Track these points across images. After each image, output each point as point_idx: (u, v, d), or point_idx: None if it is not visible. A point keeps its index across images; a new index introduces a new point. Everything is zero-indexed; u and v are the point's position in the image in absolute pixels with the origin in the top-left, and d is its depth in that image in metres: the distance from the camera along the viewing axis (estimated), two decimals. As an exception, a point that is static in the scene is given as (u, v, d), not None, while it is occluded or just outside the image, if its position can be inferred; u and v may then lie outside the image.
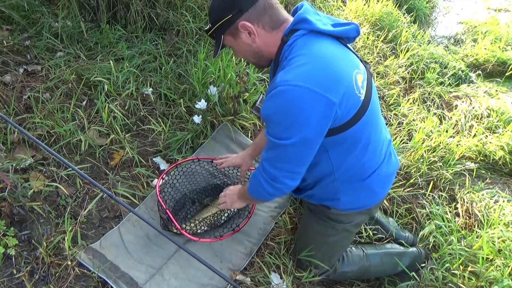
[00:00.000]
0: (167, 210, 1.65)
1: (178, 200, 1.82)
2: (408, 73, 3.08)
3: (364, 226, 1.82)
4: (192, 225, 1.71)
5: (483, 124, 2.71)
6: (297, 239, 1.70)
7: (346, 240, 1.61)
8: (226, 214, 1.79)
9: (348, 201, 1.41)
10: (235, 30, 1.22)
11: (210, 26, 1.26)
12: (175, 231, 1.67)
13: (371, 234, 1.82)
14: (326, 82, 1.07)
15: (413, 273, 1.66)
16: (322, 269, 1.63)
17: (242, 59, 2.19)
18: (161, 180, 1.79)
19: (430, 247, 1.83)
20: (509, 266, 1.66)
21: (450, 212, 1.98)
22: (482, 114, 2.79)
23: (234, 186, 1.65)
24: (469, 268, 1.68)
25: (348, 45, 1.27)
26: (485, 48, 3.67)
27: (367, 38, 3.17)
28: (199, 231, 1.72)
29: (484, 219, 1.95)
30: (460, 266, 1.71)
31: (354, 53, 1.27)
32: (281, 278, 1.65)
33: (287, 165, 1.20)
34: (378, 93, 2.78)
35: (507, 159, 2.43)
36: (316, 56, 1.11)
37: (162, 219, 1.70)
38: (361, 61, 1.29)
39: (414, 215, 2.01)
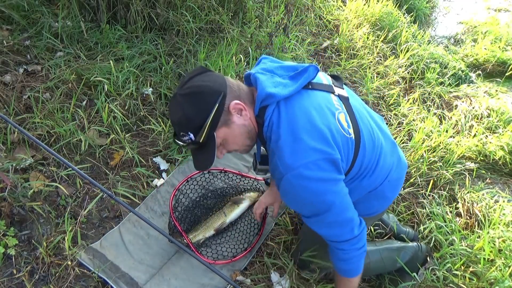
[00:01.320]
0: (182, 233, 1.66)
1: (187, 205, 1.82)
2: (408, 73, 3.08)
3: None
4: (201, 236, 1.72)
5: (483, 124, 2.70)
6: (302, 239, 1.67)
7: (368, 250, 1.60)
8: (228, 220, 1.79)
9: (360, 208, 1.34)
10: (227, 116, 1.15)
11: (196, 136, 1.13)
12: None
13: (372, 229, 1.82)
14: (323, 145, 1.10)
15: (414, 274, 1.66)
16: (324, 269, 1.63)
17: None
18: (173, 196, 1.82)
19: (431, 246, 1.83)
20: (509, 267, 1.66)
21: (450, 212, 1.98)
22: (482, 114, 2.79)
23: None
24: (470, 269, 1.68)
25: (315, 82, 1.25)
26: (485, 48, 3.67)
27: (367, 38, 3.17)
28: (206, 235, 1.73)
29: (484, 219, 1.95)
30: (462, 267, 1.70)
31: (323, 89, 1.24)
32: (281, 277, 1.65)
33: (340, 225, 1.21)
34: (378, 94, 2.79)
35: (507, 159, 2.43)
36: (298, 130, 1.11)
37: (173, 232, 1.71)
38: (333, 83, 1.28)
39: (415, 214, 2.01)
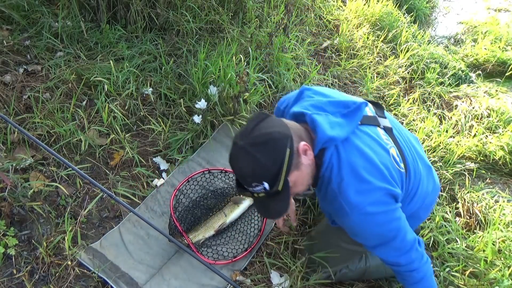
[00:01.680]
0: (183, 233, 1.67)
1: (187, 205, 1.82)
2: (408, 73, 3.08)
3: None
4: (201, 236, 1.72)
5: (483, 124, 2.70)
6: (320, 241, 1.62)
7: (369, 253, 1.64)
8: (228, 221, 1.79)
9: None
10: (297, 159, 1.13)
11: (275, 183, 1.09)
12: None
13: None
14: (385, 183, 1.17)
15: None
16: (327, 272, 1.64)
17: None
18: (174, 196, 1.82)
19: (430, 246, 1.83)
20: (509, 267, 1.66)
21: (450, 212, 1.98)
22: (482, 114, 2.79)
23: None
24: (470, 269, 1.68)
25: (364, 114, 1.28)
26: (485, 48, 3.67)
27: (367, 38, 3.17)
28: (206, 235, 1.73)
29: (485, 219, 1.95)
30: (461, 268, 1.71)
31: (371, 123, 1.28)
32: (281, 276, 1.65)
33: (406, 247, 1.25)
34: (378, 94, 2.79)
35: (507, 159, 2.43)
36: (359, 171, 1.15)
37: (173, 232, 1.71)
38: (375, 112, 1.32)
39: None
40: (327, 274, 1.64)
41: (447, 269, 1.71)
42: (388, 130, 1.32)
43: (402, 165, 1.25)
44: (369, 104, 1.38)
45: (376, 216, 1.17)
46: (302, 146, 1.13)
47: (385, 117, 1.36)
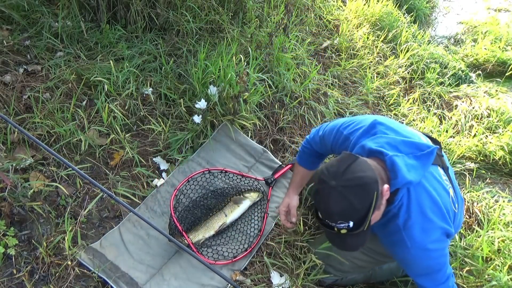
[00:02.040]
0: (183, 233, 1.67)
1: (187, 205, 1.82)
2: (408, 73, 3.08)
3: None
4: (201, 236, 1.72)
5: (483, 124, 2.70)
6: (332, 250, 1.63)
7: (385, 272, 1.72)
8: (229, 221, 1.79)
9: None
10: (380, 201, 1.18)
11: (361, 223, 1.15)
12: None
13: None
14: (444, 223, 1.28)
15: None
16: (336, 276, 1.65)
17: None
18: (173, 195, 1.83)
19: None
20: (507, 265, 1.66)
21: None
22: (482, 114, 2.79)
23: None
24: (468, 267, 1.69)
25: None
26: (485, 48, 3.67)
27: (367, 38, 3.17)
28: (206, 235, 1.73)
29: (484, 219, 1.95)
30: (459, 267, 1.71)
31: (434, 163, 1.34)
32: (281, 276, 1.65)
33: (443, 280, 1.34)
34: (378, 94, 2.79)
35: (507, 159, 2.43)
36: (426, 211, 1.26)
37: (173, 232, 1.71)
38: (437, 151, 1.35)
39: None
40: (335, 278, 1.65)
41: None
42: (445, 170, 1.40)
43: (456, 205, 1.36)
44: (429, 140, 1.45)
45: (433, 252, 1.28)
46: (385, 190, 1.18)
47: (443, 155, 1.43)
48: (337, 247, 1.28)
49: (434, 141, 1.47)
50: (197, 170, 1.96)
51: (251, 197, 1.87)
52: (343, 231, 1.18)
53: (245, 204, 1.85)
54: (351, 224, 1.15)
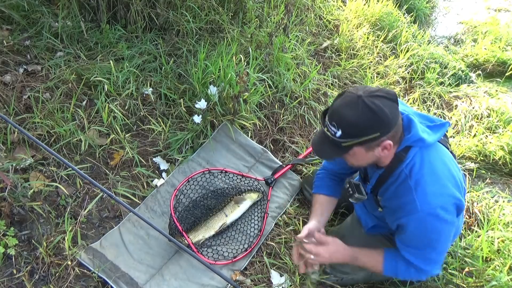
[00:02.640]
0: (183, 233, 1.67)
1: (187, 205, 1.82)
2: (408, 73, 3.08)
3: None
4: (201, 236, 1.72)
5: (483, 124, 2.70)
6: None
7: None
8: (229, 221, 1.79)
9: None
10: (374, 146, 1.22)
11: (343, 139, 1.19)
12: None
13: None
14: (456, 191, 1.25)
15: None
16: (336, 277, 1.66)
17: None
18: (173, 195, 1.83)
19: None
20: (506, 265, 1.66)
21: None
22: (482, 114, 2.79)
23: (337, 240, 1.45)
24: (468, 268, 1.69)
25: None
26: (485, 48, 3.67)
27: (367, 38, 3.17)
28: (206, 235, 1.73)
29: (484, 219, 1.95)
30: (459, 267, 1.71)
31: (444, 144, 1.37)
32: (281, 276, 1.65)
33: (437, 264, 1.36)
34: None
35: (507, 159, 2.43)
36: (439, 171, 1.25)
37: (173, 232, 1.71)
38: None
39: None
40: (335, 279, 1.65)
41: (444, 265, 1.71)
42: (453, 155, 1.39)
43: (464, 184, 1.36)
44: None
45: (440, 222, 1.24)
46: (385, 144, 1.20)
47: (448, 141, 1.44)
48: (313, 147, 1.30)
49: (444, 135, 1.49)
50: (197, 170, 1.96)
51: (251, 197, 1.87)
52: (328, 134, 1.21)
53: (246, 204, 1.85)
54: (338, 132, 1.18)
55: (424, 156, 1.26)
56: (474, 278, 1.67)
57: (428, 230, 1.26)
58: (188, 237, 1.68)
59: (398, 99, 1.27)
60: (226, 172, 1.97)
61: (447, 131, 1.40)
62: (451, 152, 1.40)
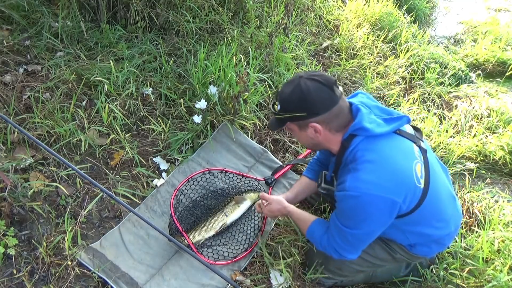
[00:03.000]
0: (183, 233, 1.67)
1: (187, 205, 1.82)
2: (408, 73, 3.08)
3: None
4: (201, 237, 1.72)
5: (483, 124, 2.70)
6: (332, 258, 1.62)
7: (384, 274, 1.70)
8: (229, 221, 1.79)
9: (420, 250, 1.51)
10: (304, 126, 1.35)
11: (281, 112, 1.37)
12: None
13: None
14: (391, 187, 1.24)
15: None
16: (336, 279, 1.66)
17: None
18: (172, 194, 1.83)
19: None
20: (506, 265, 1.66)
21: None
22: (482, 114, 2.79)
23: (281, 201, 1.66)
24: (468, 268, 1.69)
25: (401, 128, 1.38)
26: (485, 48, 3.67)
27: (367, 38, 3.17)
28: (206, 235, 1.73)
29: (484, 219, 1.95)
30: (460, 267, 1.71)
31: (408, 137, 1.37)
32: (281, 276, 1.65)
33: (349, 245, 1.38)
34: (378, 94, 2.79)
35: (507, 159, 2.43)
36: (378, 162, 1.26)
37: (173, 232, 1.70)
38: (415, 135, 1.41)
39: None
40: (335, 281, 1.65)
41: (444, 265, 1.71)
42: (422, 151, 1.39)
43: (422, 181, 1.31)
44: (409, 126, 1.46)
45: (362, 211, 1.27)
46: (314, 126, 1.33)
47: (422, 141, 1.44)
48: (269, 122, 1.50)
49: (417, 129, 1.48)
50: (197, 170, 1.96)
51: (252, 197, 1.87)
52: (274, 108, 1.40)
53: (246, 204, 1.85)
54: (278, 107, 1.37)
55: (368, 145, 1.29)
56: (474, 278, 1.67)
57: (349, 208, 1.30)
58: (188, 237, 1.68)
59: (364, 92, 1.45)
60: (226, 172, 1.97)
61: (421, 133, 1.46)
62: (421, 147, 1.38)
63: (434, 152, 2.35)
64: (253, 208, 1.87)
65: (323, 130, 1.34)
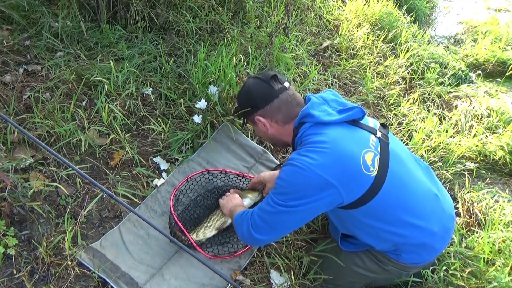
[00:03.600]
0: (184, 230, 1.67)
1: (187, 205, 1.82)
2: (408, 73, 3.08)
3: None
4: (201, 236, 1.71)
5: (483, 124, 2.71)
6: (332, 263, 1.60)
7: (382, 281, 1.65)
8: (230, 220, 1.78)
9: (408, 258, 1.45)
10: (253, 120, 1.50)
11: (236, 109, 1.55)
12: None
13: None
14: (329, 167, 1.24)
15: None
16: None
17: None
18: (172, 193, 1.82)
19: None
20: (508, 266, 1.66)
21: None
22: (482, 114, 2.79)
23: (238, 198, 1.73)
24: (470, 269, 1.68)
25: (361, 122, 1.40)
26: (485, 48, 3.67)
27: (367, 38, 3.17)
28: (207, 235, 1.73)
29: (485, 219, 1.95)
30: (461, 268, 1.71)
31: (365, 128, 1.38)
32: (281, 276, 1.65)
33: (264, 223, 1.36)
34: (378, 94, 2.79)
35: (507, 159, 2.43)
36: (321, 142, 1.29)
37: (175, 234, 1.70)
38: (378, 129, 1.41)
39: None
40: (335, 285, 1.64)
41: (444, 267, 1.70)
42: (382, 142, 1.38)
43: (372, 170, 1.29)
44: (376, 122, 1.48)
45: (298, 167, 1.26)
46: (257, 118, 1.47)
47: (386, 135, 1.43)
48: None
49: (384, 125, 1.49)
50: (197, 170, 1.96)
51: (252, 196, 1.87)
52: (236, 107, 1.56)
53: (246, 202, 1.84)
54: (236, 104, 1.55)
55: (316, 130, 1.33)
56: (475, 279, 1.67)
57: (284, 176, 1.31)
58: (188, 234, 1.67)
59: (332, 90, 1.53)
60: (226, 172, 1.97)
61: (388, 129, 1.47)
62: (380, 139, 1.38)
63: (434, 152, 2.36)
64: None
65: (270, 123, 1.45)
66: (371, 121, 1.45)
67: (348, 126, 1.36)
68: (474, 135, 2.57)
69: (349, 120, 1.36)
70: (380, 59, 3.12)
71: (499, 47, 3.70)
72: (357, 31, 3.20)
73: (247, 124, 1.63)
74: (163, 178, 1.94)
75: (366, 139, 1.34)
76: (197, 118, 2.06)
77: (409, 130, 2.54)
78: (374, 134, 1.38)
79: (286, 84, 1.44)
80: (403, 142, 2.40)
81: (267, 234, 1.37)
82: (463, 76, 3.28)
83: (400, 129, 2.54)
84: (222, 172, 1.96)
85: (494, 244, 1.77)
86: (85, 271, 1.55)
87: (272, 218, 1.34)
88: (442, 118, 2.78)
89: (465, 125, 2.67)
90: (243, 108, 1.50)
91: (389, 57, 3.14)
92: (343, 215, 1.43)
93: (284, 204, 1.29)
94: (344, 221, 1.48)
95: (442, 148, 2.39)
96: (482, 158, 2.47)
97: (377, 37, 3.27)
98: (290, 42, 2.60)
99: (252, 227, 1.38)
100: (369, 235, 1.43)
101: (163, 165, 1.99)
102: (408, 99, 2.80)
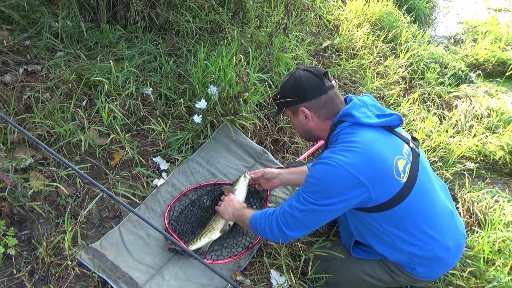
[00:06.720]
0: (178, 239, 1.68)
1: (182, 210, 1.82)
2: (408, 73, 3.08)
3: None
4: (206, 239, 1.71)
5: (483, 124, 2.71)
6: (341, 270, 1.61)
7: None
8: (231, 223, 1.78)
9: (422, 271, 1.47)
10: (296, 110, 1.48)
11: (278, 98, 1.52)
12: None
13: None
14: (362, 167, 1.26)
15: None
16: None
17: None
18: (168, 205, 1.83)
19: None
20: (508, 266, 1.66)
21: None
22: (482, 114, 2.79)
23: (235, 200, 1.72)
24: (470, 268, 1.69)
25: (396, 130, 1.43)
26: (485, 48, 3.67)
27: (367, 38, 3.17)
28: (213, 237, 1.72)
29: (485, 219, 1.95)
30: (461, 268, 1.71)
31: (400, 137, 1.41)
32: (281, 276, 1.65)
33: (295, 221, 1.37)
34: (378, 94, 2.79)
35: (507, 159, 2.43)
36: (356, 143, 1.30)
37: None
38: (410, 140, 1.44)
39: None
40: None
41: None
42: (414, 153, 1.41)
43: (403, 176, 1.32)
44: (408, 133, 1.51)
45: (332, 166, 1.27)
46: (302, 109, 1.45)
47: (417, 148, 1.46)
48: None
49: (414, 138, 1.50)
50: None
51: (241, 184, 1.84)
52: (276, 95, 1.56)
53: (240, 191, 1.82)
54: (279, 95, 1.52)
55: (353, 130, 1.35)
56: (474, 279, 1.67)
57: (316, 174, 1.32)
58: (187, 242, 1.68)
59: (370, 95, 1.52)
60: (219, 184, 1.95)
61: (418, 142, 1.49)
62: (413, 149, 1.41)
63: (434, 152, 2.36)
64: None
65: (313, 116, 1.45)
66: (403, 132, 1.48)
67: (384, 131, 1.38)
68: (474, 135, 2.57)
69: (386, 125, 1.38)
70: (380, 59, 3.12)
71: (499, 47, 3.70)
72: (357, 31, 3.20)
73: (282, 113, 1.58)
74: (163, 178, 1.94)
75: (400, 146, 1.37)
76: (197, 118, 2.06)
77: (409, 130, 2.54)
78: (408, 143, 1.41)
79: (334, 83, 1.47)
80: (403, 142, 2.39)
81: (299, 230, 1.40)
82: (463, 76, 3.28)
83: (400, 129, 2.54)
84: (215, 185, 1.95)
85: (494, 244, 1.77)
86: (85, 271, 1.55)
87: (304, 216, 1.36)
88: (442, 118, 2.78)
89: (465, 125, 2.67)
90: (288, 97, 1.48)
91: (389, 57, 3.14)
92: (365, 219, 1.43)
93: (316, 202, 1.31)
94: (361, 229, 1.48)
95: (442, 148, 2.39)
96: (482, 158, 2.47)
97: (377, 37, 3.27)
98: (290, 42, 2.60)
99: (283, 224, 1.40)
100: (385, 244, 1.44)
101: (163, 165, 1.99)
102: (408, 99, 2.80)
